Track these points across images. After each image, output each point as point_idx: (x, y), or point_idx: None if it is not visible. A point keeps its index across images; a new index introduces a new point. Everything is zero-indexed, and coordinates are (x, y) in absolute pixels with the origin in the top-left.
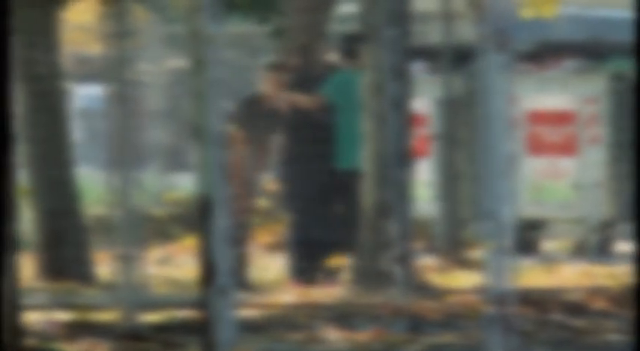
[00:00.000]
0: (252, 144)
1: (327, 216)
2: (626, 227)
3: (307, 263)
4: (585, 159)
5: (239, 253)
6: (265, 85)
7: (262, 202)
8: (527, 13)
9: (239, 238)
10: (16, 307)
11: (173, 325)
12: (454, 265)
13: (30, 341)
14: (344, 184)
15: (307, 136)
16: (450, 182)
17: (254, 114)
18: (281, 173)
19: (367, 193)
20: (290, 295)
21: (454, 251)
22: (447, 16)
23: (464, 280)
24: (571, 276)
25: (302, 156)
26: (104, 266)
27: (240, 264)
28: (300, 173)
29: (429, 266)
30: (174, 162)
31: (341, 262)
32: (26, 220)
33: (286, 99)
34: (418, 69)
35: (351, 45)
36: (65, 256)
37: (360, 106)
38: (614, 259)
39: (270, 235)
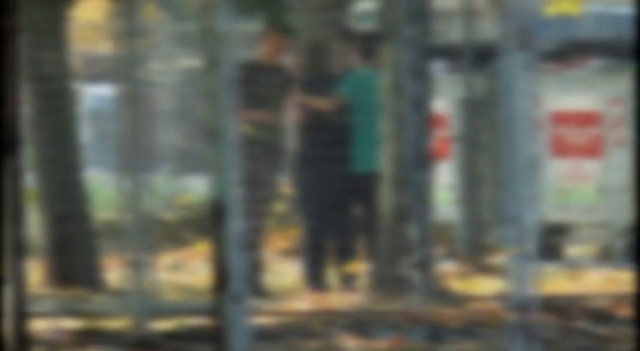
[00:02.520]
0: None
1: (344, 220)
2: None
3: (323, 269)
4: (611, 161)
5: (253, 259)
6: (264, 48)
7: (278, 206)
8: (551, 10)
9: (253, 243)
10: (23, 315)
11: (185, 333)
12: (475, 271)
13: (37, 350)
14: (362, 188)
15: (322, 138)
16: (471, 185)
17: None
18: (296, 176)
19: (386, 197)
20: (306, 302)
21: (475, 257)
22: (469, 14)
23: (485, 286)
24: (596, 282)
25: (317, 159)
26: (114, 272)
27: (254, 270)
28: (316, 176)
29: (449, 272)
30: (187, 164)
31: (358, 267)
32: (33, 224)
33: (302, 102)
34: (438, 68)
35: (369, 44)
36: (73, 262)
37: (378, 106)
38: None
39: (285, 240)
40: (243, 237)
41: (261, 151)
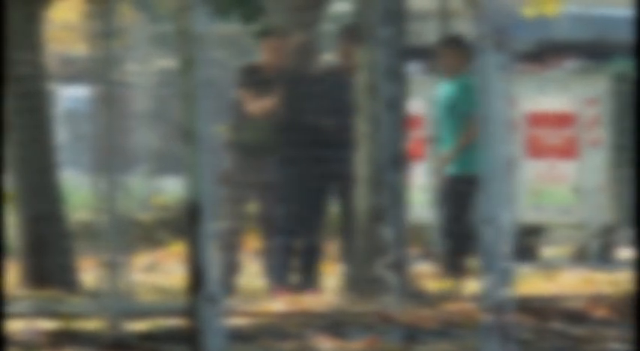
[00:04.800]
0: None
1: (320, 221)
2: (628, 232)
3: (290, 270)
4: (586, 162)
5: (229, 260)
6: (264, 53)
7: (252, 207)
8: (529, 12)
9: (230, 244)
10: (1, 316)
11: (160, 334)
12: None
13: (12, 350)
14: (454, 189)
15: (301, 139)
16: None
17: (253, 82)
18: (275, 177)
19: (361, 198)
20: (281, 303)
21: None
22: (444, 15)
23: (461, 287)
24: (571, 283)
25: (297, 159)
26: (89, 273)
27: (229, 271)
28: (295, 176)
29: (424, 273)
30: (162, 165)
31: (333, 268)
32: (9, 225)
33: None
34: (414, 69)
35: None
36: (49, 263)
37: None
38: (615, 265)
39: (259, 241)
40: (219, 238)
41: (238, 151)
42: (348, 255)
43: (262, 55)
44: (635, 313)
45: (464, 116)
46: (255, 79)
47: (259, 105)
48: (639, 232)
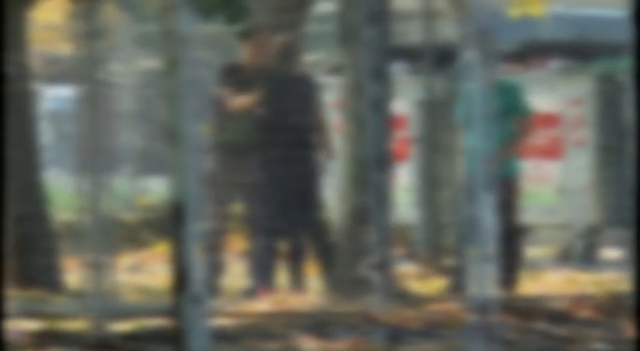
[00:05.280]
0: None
1: (301, 221)
2: (613, 233)
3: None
4: (570, 163)
5: (213, 260)
6: (248, 52)
7: (237, 207)
8: (515, 12)
9: (214, 245)
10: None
11: (144, 335)
12: (435, 272)
13: None
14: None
15: (285, 138)
16: (430, 187)
17: (234, 81)
18: (256, 177)
19: (345, 198)
20: (265, 304)
21: (435, 258)
22: (429, 15)
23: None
24: (555, 283)
25: (279, 159)
26: (73, 273)
27: (214, 271)
28: (276, 177)
29: (408, 273)
30: (147, 165)
31: (316, 268)
32: None
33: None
34: (398, 70)
35: None
36: (33, 263)
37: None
38: (599, 266)
39: (244, 241)
40: (203, 238)
41: (222, 151)
42: (325, 258)
43: (244, 54)
44: (634, 312)
45: (516, 119)
46: (235, 78)
47: (238, 101)
48: (638, 233)
